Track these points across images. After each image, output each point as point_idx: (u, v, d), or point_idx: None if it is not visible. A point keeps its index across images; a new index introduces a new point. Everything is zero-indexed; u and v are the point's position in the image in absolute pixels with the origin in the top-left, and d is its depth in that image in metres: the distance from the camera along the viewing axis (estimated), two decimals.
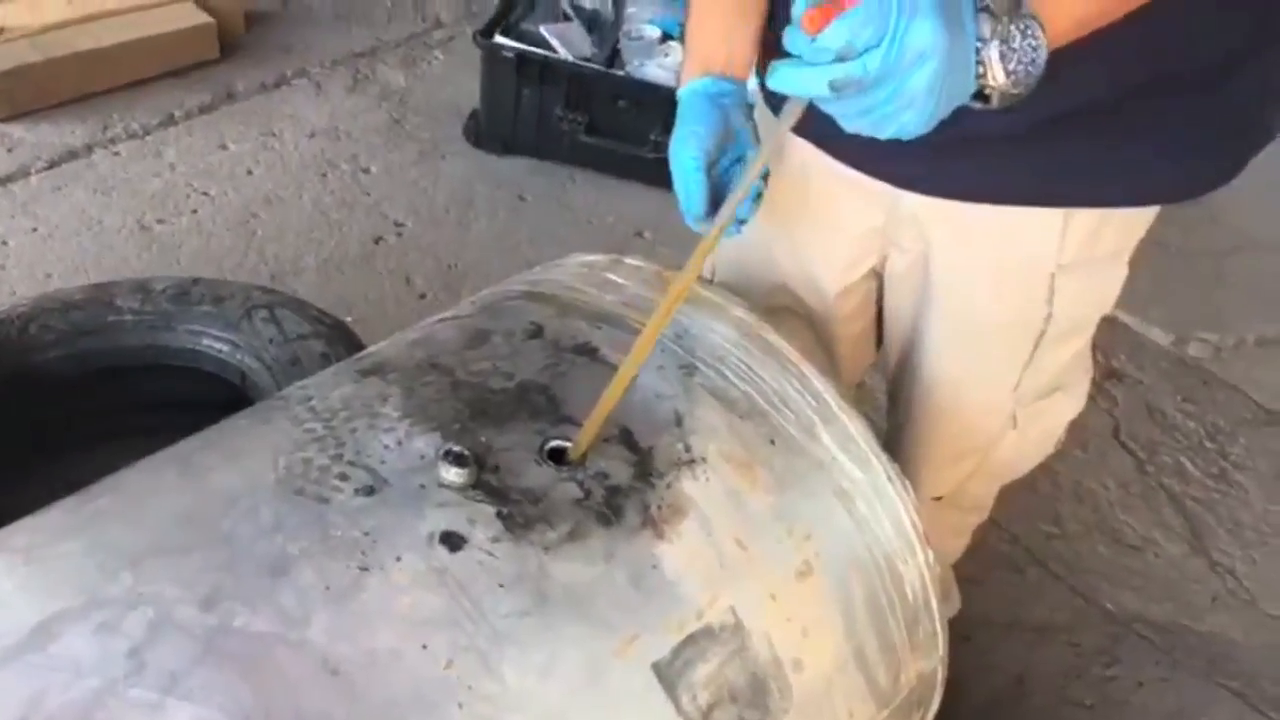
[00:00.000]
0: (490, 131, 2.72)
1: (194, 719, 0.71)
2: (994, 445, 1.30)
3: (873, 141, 0.83)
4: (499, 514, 0.86)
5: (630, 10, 2.73)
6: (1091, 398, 1.34)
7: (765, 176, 1.07)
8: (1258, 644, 1.91)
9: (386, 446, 0.89)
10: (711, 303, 1.10)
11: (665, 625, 0.86)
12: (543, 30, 2.65)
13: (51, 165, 2.48)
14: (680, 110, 1.08)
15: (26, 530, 0.85)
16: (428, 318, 1.13)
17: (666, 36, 2.67)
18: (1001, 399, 1.24)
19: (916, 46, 0.73)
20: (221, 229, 2.41)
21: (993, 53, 0.77)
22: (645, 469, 0.93)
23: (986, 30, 0.77)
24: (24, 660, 0.73)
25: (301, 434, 0.91)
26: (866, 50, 0.74)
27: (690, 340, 1.06)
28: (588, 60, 2.61)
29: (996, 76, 0.78)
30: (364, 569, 0.80)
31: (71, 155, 2.52)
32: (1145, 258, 1.17)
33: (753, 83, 1.12)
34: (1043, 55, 0.79)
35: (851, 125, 0.80)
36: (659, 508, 0.91)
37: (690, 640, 0.86)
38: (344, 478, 0.86)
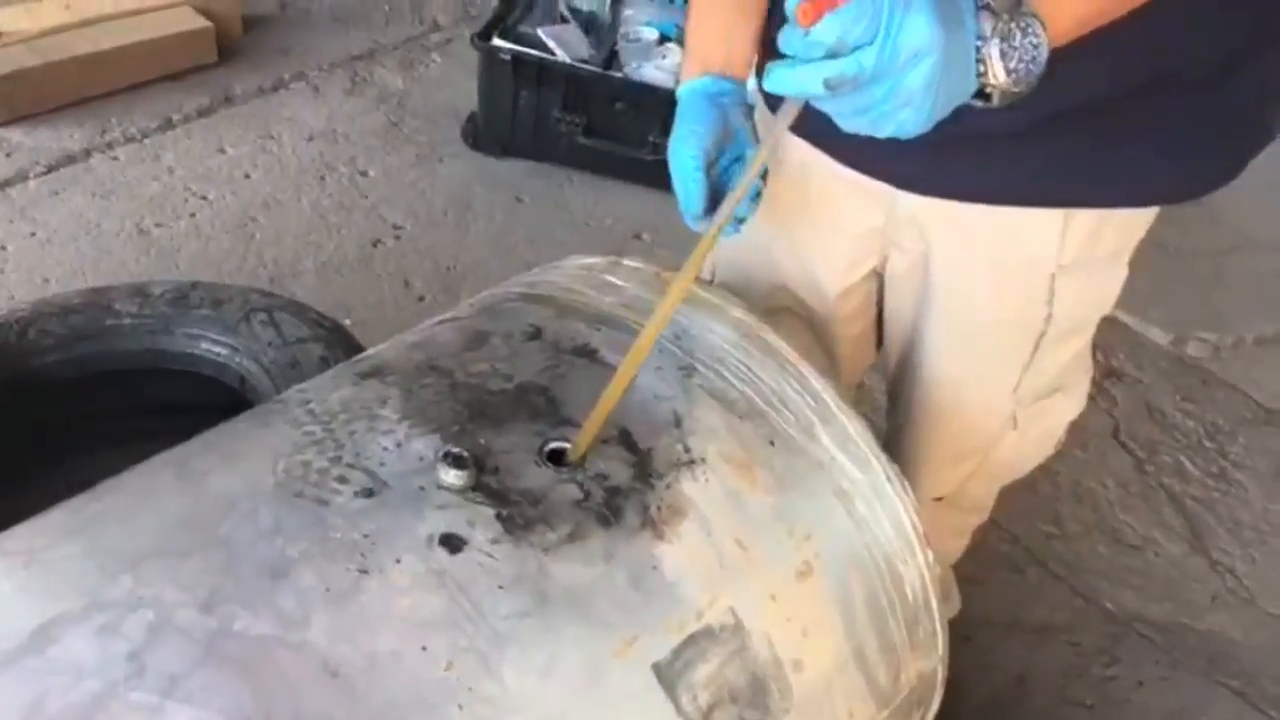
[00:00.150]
0: (488, 134, 2.72)
1: None
2: (994, 446, 1.30)
3: (872, 141, 0.82)
4: (498, 515, 0.86)
5: (627, 12, 2.73)
6: (1091, 397, 1.34)
7: (764, 176, 1.07)
8: (1258, 643, 1.91)
9: (386, 449, 0.89)
10: (710, 304, 1.10)
11: (665, 626, 0.86)
12: (540, 32, 2.65)
13: (50, 169, 2.49)
14: (679, 110, 1.08)
15: (26, 534, 0.85)
16: (426, 320, 1.13)
17: (664, 38, 2.67)
18: (1001, 400, 1.24)
19: (912, 43, 0.73)
20: (220, 232, 2.42)
21: (993, 50, 0.77)
22: (645, 470, 0.93)
23: (987, 28, 0.77)
24: (24, 663, 0.73)
25: (301, 437, 0.91)
26: (860, 47, 0.73)
27: (689, 341, 1.06)
28: (585, 62, 2.62)
29: (997, 75, 0.78)
30: (364, 571, 0.80)
31: (69, 159, 2.52)
32: (1144, 257, 1.17)
33: (752, 82, 1.12)
34: (1044, 53, 0.79)
35: (849, 124, 0.79)
36: (658, 509, 0.91)
37: (690, 641, 0.86)
38: (343, 480, 0.86)
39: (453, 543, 0.83)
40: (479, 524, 0.85)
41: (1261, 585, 2.00)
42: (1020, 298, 1.16)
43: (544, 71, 2.58)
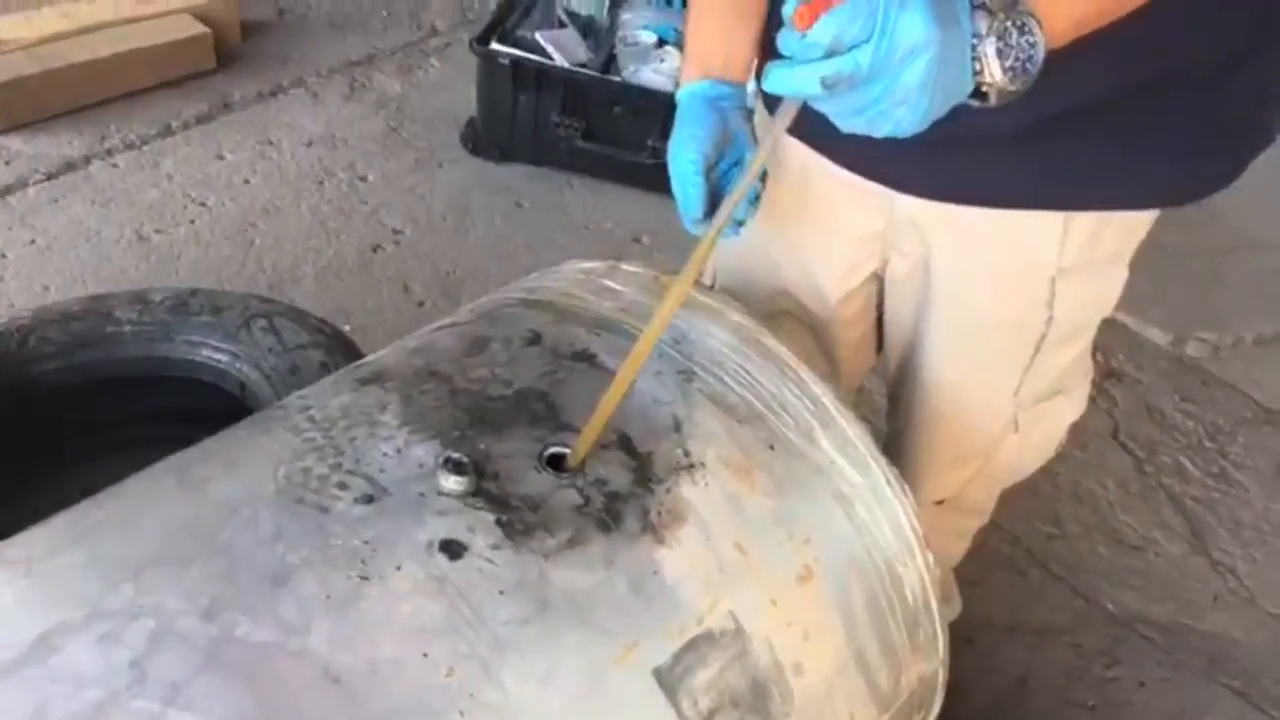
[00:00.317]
0: (487, 138, 2.72)
1: None
2: (995, 449, 1.30)
3: (872, 144, 0.82)
4: (498, 521, 0.86)
5: (625, 16, 2.73)
6: (1091, 398, 1.34)
7: (764, 179, 1.07)
8: (1259, 643, 1.91)
9: (386, 455, 0.90)
10: (709, 308, 1.10)
11: (666, 631, 0.86)
12: (538, 37, 2.65)
13: (49, 177, 2.49)
14: (679, 113, 1.08)
15: (27, 542, 0.85)
16: (426, 325, 1.13)
17: (662, 42, 2.67)
18: (1002, 403, 1.24)
19: (907, 41, 0.73)
20: (219, 239, 2.42)
21: (989, 49, 0.77)
22: (644, 475, 0.93)
23: (983, 27, 0.77)
24: (26, 673, 0.73)
25: (301, 443, 0.91)
26: (856, 45, 0.74)
27: (688, 345, 1.06)
28: (583, 66, 2.62)
29: (994, 73, 0.78)
30: (364, 578, 0.81)
31: (69, 167, 2.52)
32: (1143, 257, 1.17)
33: (751, 85, 1.12)
34: (1040, 52, 0.79)
35: (847, 124, 0.80)
36: (658, 513, 0.91)
37: (691, 645, 0.86)
38: (343, 486, 0.86)
39: (453, 549, 0.83)
40: (479, 530, 0.85)
41: (1262, 585, 2.00)
42: (1021, 301, 1.16)
43: (542, 76, 2.58)
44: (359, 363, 1.09)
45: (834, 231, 1.23)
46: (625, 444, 0.95)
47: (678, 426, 0.98)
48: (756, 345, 1.07)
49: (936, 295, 1.20)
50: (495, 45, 2.60)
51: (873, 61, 0.73)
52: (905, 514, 1.02)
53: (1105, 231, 1.11)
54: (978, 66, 0.78)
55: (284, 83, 2.89)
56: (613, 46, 2.67)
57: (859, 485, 1.01)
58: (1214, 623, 1.94)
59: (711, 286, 1.31)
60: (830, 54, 0.74)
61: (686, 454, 0.96)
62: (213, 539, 0.82)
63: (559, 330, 1.06)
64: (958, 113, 0.80)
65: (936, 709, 1.10)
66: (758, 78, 1.14)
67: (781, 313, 1.32)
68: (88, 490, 0.91)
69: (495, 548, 0.84)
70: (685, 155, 1.03)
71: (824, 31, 0.74)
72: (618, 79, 2.61)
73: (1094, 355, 1.28)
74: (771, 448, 1.00)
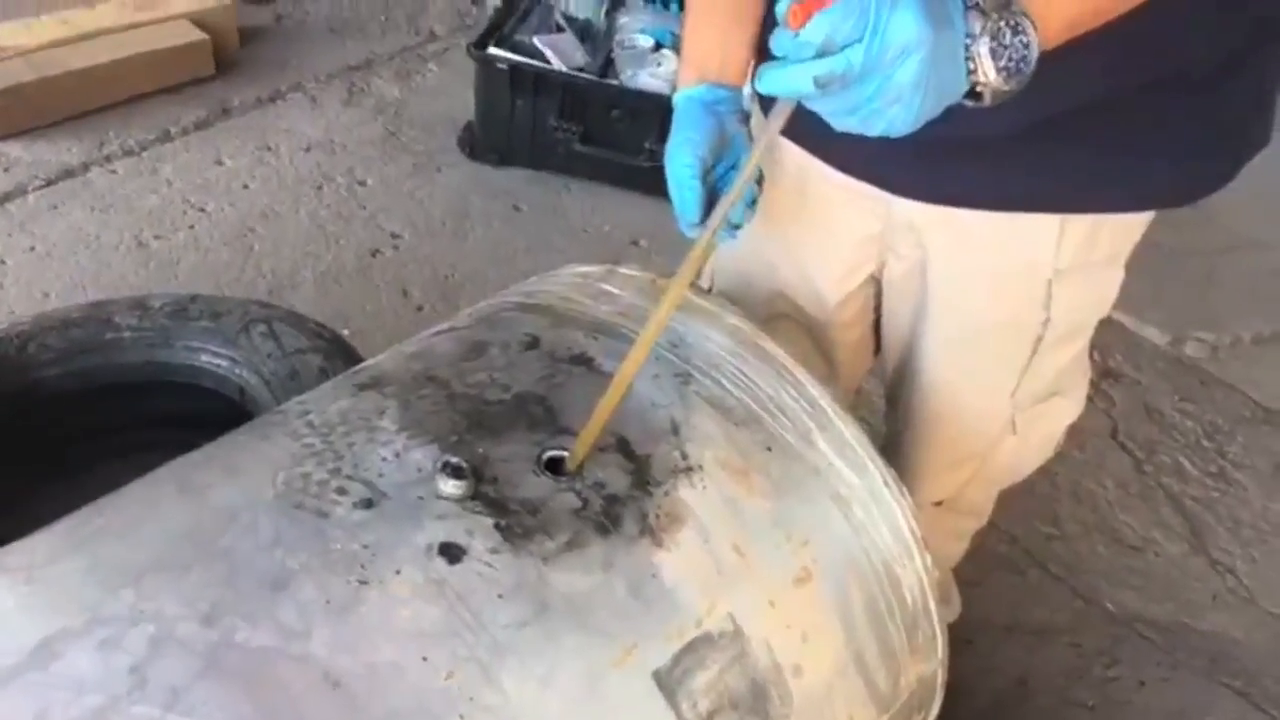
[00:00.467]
0: (485, 142, 2.73)
1: None
2: (993, 450, 1.30)
3: (868, 147, 0.83)
4: (497, 525, 0.86)
5: (623, 20, 2.74)
6: (1089, 398, 1.35)
7: (760, 182, 1.08)
8: (1259, 642, 1.91)
9: (384, 459, 0.90)
10: (707, 311, 1.10)
11: (665, 633, 0.86)
12: (536, 41, 2.66)
13: (48, 184, 2.49)
14: (675, 117, 1.08)
15: (27, 549, 0.85)
16: (425, 330, 1.14)
17: (659, 45, 2.68)
18: (1000, 404, 1.24)
19: (899, 40, 0.73)
20: (218, 244, 2.42)
21: (982, 49, 0.77)
22: (642, 477, 0.93)
23: (976, 27, 0.77)
24: (26, 679, 0.74)
25: (300, 449, 0.91)
26: (849, 44, 0.74)
27: (686, 349, 1.06)
28: (581, 70, 2.62)
29: (987, 73, 0.78)
30: (364, 582, 0.81)
31: (68, 173, 2.53)
32: (1140, 258, 1.17)
33: (748, 89, 1.12)
34: (1034, 52, 0.79)
35: (841, 124, 0.80)
36: (657, 516, 0.91)
37: (690, 648, 0.87)
38: (342, 491, 0.87)
39: (452, 553, 0.83)
40: (478, 534, 0.85)
41: (1262, 584, 2.00)
42: (1017, 302, 1.16)
43: (540, 80, 2.59)
44: (358, 368, 1.09)
45: (831, 234, 1.23)
46: (623, 447, 0.95)
47: (675, 429, 0.98)
48: (754, 348, 1.07)
49: (933, 297, 1.20)
50: (493, 50, 2.60)
51: (865, 60, 0.74)
52: (903, 515, 1.02)
53: (1101, 233, 1.11)
54: (971, 66, 0.78)
55: (282, 88, 2.89)
56: (610, 50, 2.68)
57: (857, 487, 1.01)
58: (1214, 622, 1.94)
59: (709, 290, 1.31)
60: (823, 53, 0.74)
61: (684, 457, 0.96)
62: (212, 544, 0.83)
63: (557, 334, 1.07)
64: (953, 114, 0.80)
65: (936, 710, 1.10)
66: (753, 81, 1.15)
67: (779, 315, 1.32)
68: (88, 496, 0.91)
69: (494, 551, 0.84)
70: (682, 159, 1.03)
71: (816, 30, 0.74)
72: (615, 83, 2.61)
73: (1092, 355, 1.29)
74: (769, 450, 1.00)
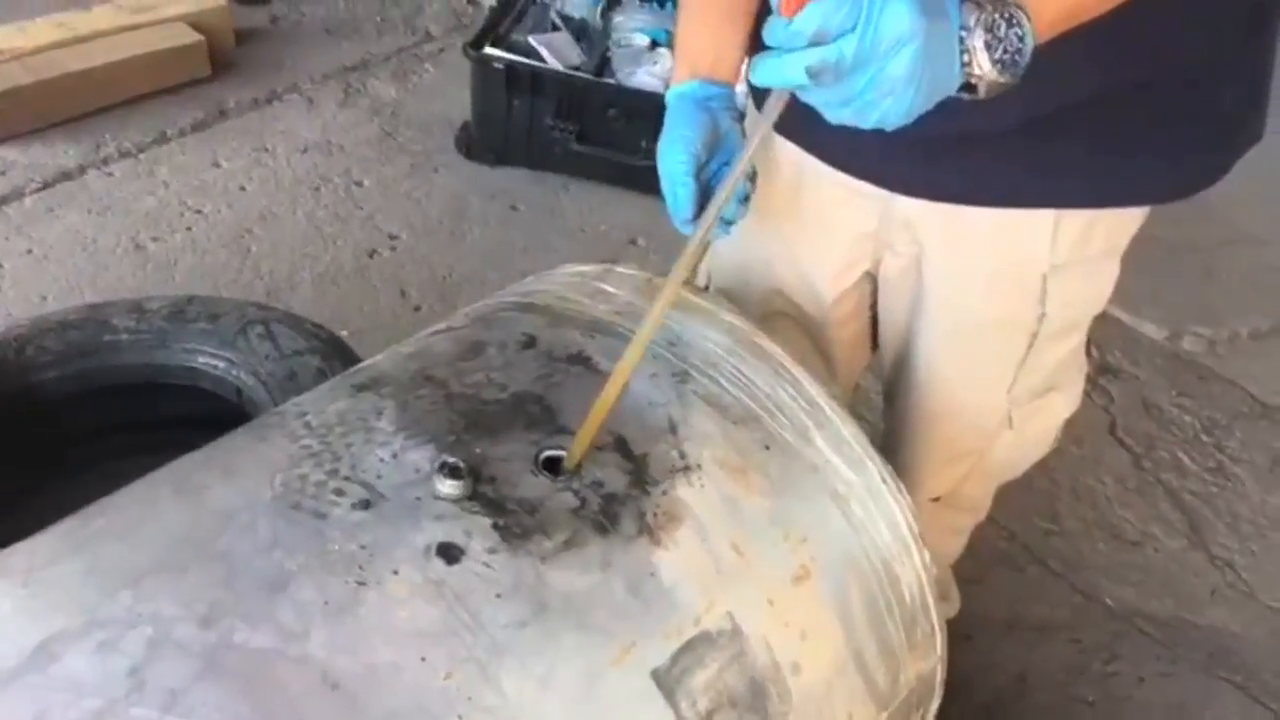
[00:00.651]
0: (482, 142, 2.73)
1: None
2: (990, 446, 1.30)
3: (863, 144, 0.82)
4: (495, 525, 0.86)
5: (619, 19, 2.74)
6: (1087, 394, 1.35)
7: (754, 178, 1.07)
8: (1258, 636, 1.91)
9: (382, 460, 0.90)
10: (703, 309, 1.10)
11: (663, 632, 0.86)
12: (532, 40, 2.66)
13: (45, 186, 2.49)
14: (668, 114, 1.08)
15: (25, 552, 0.85)
16: (423, 330, 1.14)
17: (655, 44, 2.68)
18: (997, 399, 1.25)
19: (892, 32, 0.73)
20: (216, 246, 2.42)
21: (977, 41, 0.77)
22: (640, 477, 0.93)
23: (971, 19, 0.76)
24: (25, 681, 0.74)
25: (298, 450, 0.91)
26: (842, 35, 0.73)
27: (683, 347, 1.06)
28: (577, 69, 2.62)
29: (982, 65, 0.77)
30: (362, 583, 0.81)
31: (65, 176, 2.53)
32: (1137, 253, 1.17)
33: (742, 86, 1.12)
34: (1029, 44, 0.78)
35: (834, 116, 0.79)
36: (655, 515, 0.91)
37: (688, 647, 0.87)
38: (340, 493, 0.87)
39: (450, 553, 0.83)
40: (476, 534, 0.85)
41: (1261, 579, 2.01)
42: (1013, 298, 1.16)
43: (537, 79, 2.59)
44: (355, 368, 1.09)
45: (827, 231, 1.23)
46: (621, 446, 0.95)
47: (673, 428, 0.98)
48: (751, 346, 1.07)
49: (930, 294, 1.20)
50: (489, 50, 2.60)
51: (857, 51, 0.73)
52: (902, 512, 1.02)
53: (1096, 228, 1.11)
54: (966, 59, 0.77)
55: (279, 89, 2.89)
56: (606, 49, 2.68)
57: (855, 484, 1.01)
58: (1213, 617, 1.94)
59: (706, 288, 1.31)
60: (815, 43, 0.74)
61: (682, 455, 0.96)
62: (210, 546, 0.83)
63: (554, 334, 1.07)
64: (948, 108, 0.80)
65: (935, 707, 1.11)
66: (748, 74, 1.15)
67: (776, 313, 1.32)
68: (85, 499, 0.91)
69: (492, 551, 0.84)
70: (675, 156, 1.03)
71: (809, 20, 0.73)
72: (612, 82, 2.62)
73: (1090, 351, 1.29)
74: (767, 448, 1.00)
